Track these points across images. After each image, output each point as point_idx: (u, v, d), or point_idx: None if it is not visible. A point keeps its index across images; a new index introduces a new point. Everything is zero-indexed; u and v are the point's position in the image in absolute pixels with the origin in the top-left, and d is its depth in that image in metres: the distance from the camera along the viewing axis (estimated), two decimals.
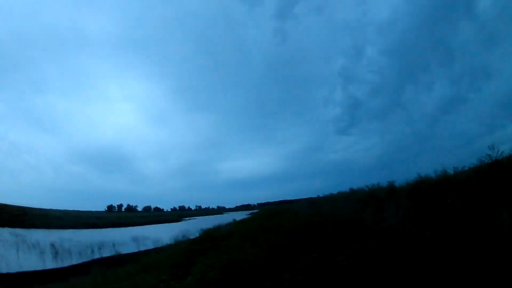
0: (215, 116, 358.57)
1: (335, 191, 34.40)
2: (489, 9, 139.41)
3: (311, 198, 60.32)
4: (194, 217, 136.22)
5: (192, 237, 34.28)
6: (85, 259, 27.32)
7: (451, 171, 15.06)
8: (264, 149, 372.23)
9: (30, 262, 24.87)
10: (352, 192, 26.15)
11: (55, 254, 28.70)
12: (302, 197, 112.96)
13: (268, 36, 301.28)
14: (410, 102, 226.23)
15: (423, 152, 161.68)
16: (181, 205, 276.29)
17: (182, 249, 20.69)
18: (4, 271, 21.23)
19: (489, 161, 12.28)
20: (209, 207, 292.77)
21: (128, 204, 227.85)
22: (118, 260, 22.08)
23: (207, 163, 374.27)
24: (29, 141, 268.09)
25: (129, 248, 32.99)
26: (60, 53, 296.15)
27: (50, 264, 24.99)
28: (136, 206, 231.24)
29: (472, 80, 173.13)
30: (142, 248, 32.82)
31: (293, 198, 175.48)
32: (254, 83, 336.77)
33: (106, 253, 29.58)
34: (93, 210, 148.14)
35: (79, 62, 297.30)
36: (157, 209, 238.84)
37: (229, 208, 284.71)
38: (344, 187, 29.59)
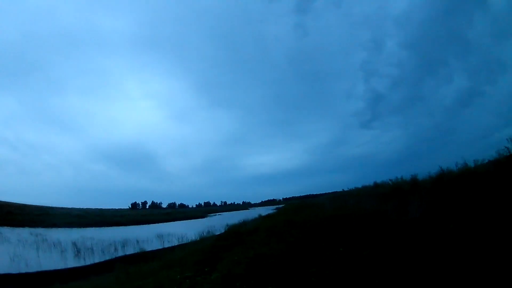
0: (237, 112, 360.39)
1: (359, 185, 34.34)
2: (502, 1, 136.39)
3: (335, 192, 60.50)
4: (219, 213, 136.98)
5: (217, 233, 34.27)
6: (107, 257, 27.48)
7: (471, 164, 14.78)
8: (288, 144, 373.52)
9: (51, 261, 25.10)
10: (376, 185, 26.04)
11: (77, 252, 28.97)
12: (327, 191, 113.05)
13: (288, 31, 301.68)
14: (429, 95, 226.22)
15: (443, 144, 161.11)
16: (206, 201, 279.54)
17: (207, 245, 20.58)
18: (24, 271, 21.43)
19: (508, 154, 12.10)
20: (234, 202, 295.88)
21: (153, 201, 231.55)
22: (142, 257, 22.13)
23: (231, 159, 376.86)
24: (49, 141, 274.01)
25: (153, 245, 33.20)
26: (78, 53, 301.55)
27: (71, 263, 25.18)
28: (161, 203, 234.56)
29: (488, 73, 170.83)
30: (167, 245, 32.96)
31: (317, 192, 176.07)
32: (275, 78, 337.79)
33: (130, 251, 29.76)
34: (116, 208, 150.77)
35: (98, 61, 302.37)
36: (181, 205, 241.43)
37: (255, 204, 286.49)
38: (368, 181, 29.43)
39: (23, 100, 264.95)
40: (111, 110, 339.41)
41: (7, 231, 44.12)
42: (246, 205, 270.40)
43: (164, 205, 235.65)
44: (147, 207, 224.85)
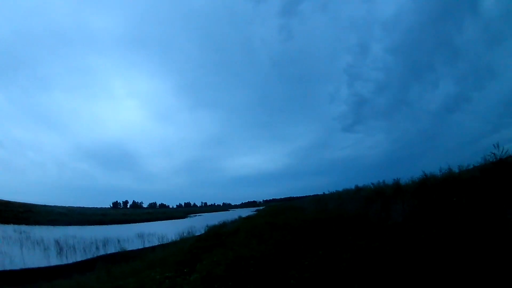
0: (221, 113, 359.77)
1: (340, 188, 34.59)
2: (493, 8, 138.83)
3: (317, 195, 60.52)
4: (199, 214, 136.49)
5: (197, 233, 34.36)
6: (89, 256, 27.40)
7: (456, 170, 15.08)
8: (270, 146, 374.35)
9: (34, 259, 24.98)
10: (358, 189, 26.21)
11: (60, 250, 28.82)
12: (308, 194, 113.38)
13: (274, 33, 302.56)
14: (415, 100, 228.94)
15: (428, 150, 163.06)
16: (186, 201, 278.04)
17: (188, 246, 20.73)
18: (8, 268, 21.34)
19: (494, 160, 12.32)
20: (214, 203, 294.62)
21: (134, 201, 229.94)
22: (123, 257, 22.16)
23: (213, 160, 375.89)
24: (34, 138, 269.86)
25: (134, 245, 33.11)
26: (65, 51, 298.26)
27: (54, 261, 25.08)
28: (142, 202, 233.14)
29: (476, 79, 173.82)
30: (147, 245, 32.91)
31: (299, 195, 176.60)
32: (259, 80, 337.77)
33: (111, 250, 29.67)
34: (98, 206, 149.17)
35: (84, 60, 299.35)
36: (162, 205, 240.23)
37: (235, 205, 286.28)
38: (350, 185, 29.63)
39: (10, 96, 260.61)
40: (96, 108, 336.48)
41: None
42: (226, 206, 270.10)
43: (145, 205, 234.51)
44: (128, 206, 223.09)
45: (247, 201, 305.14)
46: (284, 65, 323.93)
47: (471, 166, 14.37)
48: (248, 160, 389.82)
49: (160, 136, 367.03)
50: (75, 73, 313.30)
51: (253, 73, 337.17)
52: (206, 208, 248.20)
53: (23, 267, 21.81)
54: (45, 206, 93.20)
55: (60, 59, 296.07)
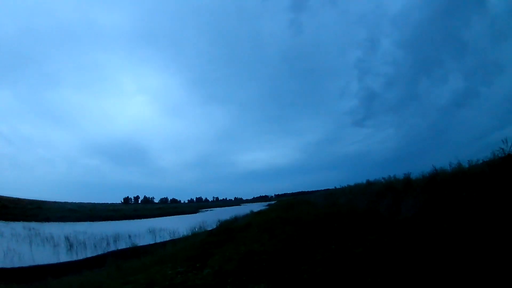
0: (231, 108, 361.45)
1: (351, 183, 34.49)
2: (500, 3, 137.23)
3: (328, 190, 60.59)
4: (211, 209, 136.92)
5: (209, 228, 34.29)
6: (100, 252, 27.42)
7: (465, 164, 14.95)
8: (281, 141, 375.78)
9: (44, 256, 25.02)
10: (369, 184, 26.10)
11: (69, 247, 28.89)
12: (319, 189, 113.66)
13: (283, 28, 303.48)
14: (424, 94, 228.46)
15: (437, 145, 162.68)
16: (198, 196, 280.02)
17: (199, 241, 20.62)
18: (17, 265, 21.39)
19: (502, 155, 12.25)
20: (226, 198, 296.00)
21: (145, 196, 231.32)
22: (134, 252, 22.11)
23: (224, 155, 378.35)
24: (43, 135, 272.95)
25: (145, 240, 33.17)
26: (73, 48, 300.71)
27: (64, 257, 25.12)
28: (153, 198, 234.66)
29: (484, 74, 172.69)
30: (159, 240, 32.89)
31: (310, 189, 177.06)
32: (270, 74, 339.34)
33: (122, 245, 29.66)
34: (109, 202, 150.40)
35: (93, 56, 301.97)
36: (174, 200, 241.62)
37: (246, 200, 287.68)
38: (361, 179, 29.54)
39: (18, 94, 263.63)
40: (106, 104, 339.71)
41: (0, 225, 43.96)
42: (238, 201, 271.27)
43: (156, 200, 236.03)
44: (139, 202, 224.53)
45: (258, 195, 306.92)
46: (294, 60, 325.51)
47: (480, 161, 14.38)
48: (259, 154, 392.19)
49: (171, 131, 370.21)
50: (84, 69, 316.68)
51: (264, 68, 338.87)
52: (218, 203, 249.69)
53: (32, 264, 21.85)
54: (54, 202, 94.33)
55: (67, 56, 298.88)
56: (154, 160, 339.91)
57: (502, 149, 12.29)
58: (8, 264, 21.51)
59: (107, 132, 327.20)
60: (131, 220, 70.15)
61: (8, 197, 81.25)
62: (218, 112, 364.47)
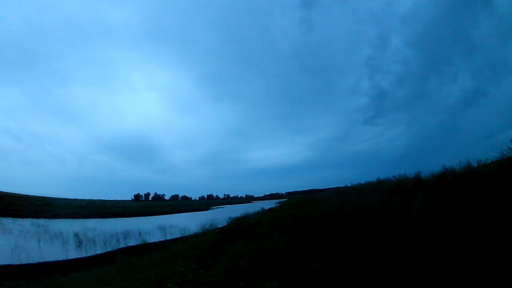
0: (242, 105, 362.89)
1: (362, 181, 34.56)
2: (507, 2, 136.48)
3: (339, 188, 60.77)
4: (222, 206, 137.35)
5: (220, 226, 34.28)
6: (109, 248, 27.51)
7: (474, 164, 15.28)
8: (292, 138, 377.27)
9: (52, 252, 25.12)
10: (380, 182, 26.13)
11: (79, 243, 29.01)
12: (330, 187, 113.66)
13: (294, 25, 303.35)
14: (434, 93, 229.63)
15: (446, 143, 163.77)
16: (209, 193, 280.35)
17: (210, 238, 20.58)
18: (25, 262, 21.47)
19: (511, 155, 12.56)
20: (237, 195, 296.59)
21: (156, 193, 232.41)
22: (144, 249, 22.13)
23: (235, 152, 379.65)
24: (52, 132, 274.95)
25: (156, 237, 33.22)
26: (82, 44, 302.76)
27: (73, 254, 25.23)
28: (164, 195, 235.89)
29: (492, 73, 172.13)
30: (169, 237, 32.96)
31: (321, 187, 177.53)
32: (280, 72, 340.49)
33: (132, 242, 29.74)
34: (119, 199, 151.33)
35: (103, 53, 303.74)
36: (184, 197, 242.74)
37: (257, 197, 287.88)
38: (371, 177, 29.62)
39: (27, 90, 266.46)
40: (115, 101, 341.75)
41: (9, 222, 44.33)
42: (249, 198, 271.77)
43: (167, 197, 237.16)
44: (150, 199, 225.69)
45: (269, 193, 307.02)
46: (305, 57, 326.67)
47: (489, 161, 14.60)
48: (270, 152, 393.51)
49: (181, 128, 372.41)
50: (93, 66, 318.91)
51: (274, 65, 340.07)
52: (229, 200, 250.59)
53: (40, 260, 21.93)
54: (64, 199, 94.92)
55: (77, 52, 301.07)
56: (164, 157, 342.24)
57: (511, 148, 12.62)
58: (16, 261, 21.63)
59: (117, 129, 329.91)
60: (141, 217, 70.48)
61: (16, 194, 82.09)
62: (229, 109, 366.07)
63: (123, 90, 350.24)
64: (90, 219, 57.52)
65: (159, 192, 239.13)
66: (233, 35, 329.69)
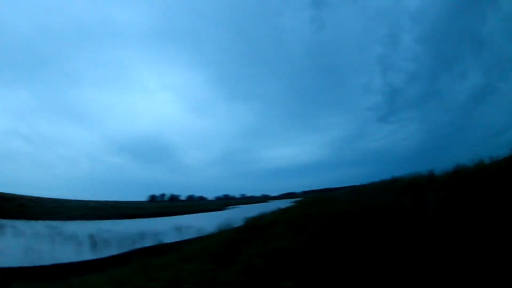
0: (255, 105, 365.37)
1: (376, 179, 34.67)
2: None
3: (353, 186, 61.03)
4: (237, 206, 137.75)
5: (235, 225, 34.40)
6: (125, 250, 27.73)
7: (487, 161, 15.34)
8: (306, 137, 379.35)
9: (66, 254, 25.40)
10: (393, 180, 26.16)
11: (93, 245, 29.32)
12: (344, 185, 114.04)
13: (305, 24, 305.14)
14: (445, 90, 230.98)
15: (458, 140, 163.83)
16: (224, 193, 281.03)
17: (226, 238, 20.63)
18: (38, 264, 21.73)
19: None
20: (253, 195, 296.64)
21: (171, 194, 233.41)
22: (160, 250, 22.25)
23: (250, 151, 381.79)
24: (64, 134, 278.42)
25: (172, 238, 33.48)
26: (92, 46, 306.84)
27: (87, 256, 25.47)
28: (179, 195, 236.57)
29: (503, 70, 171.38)
30: (185, 238, 33.14)
31: (335, 186, 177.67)
32: (292, 71, 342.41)
33: (148, 243, 30.00)
34: (134, 200, 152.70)
35: (114, 54, 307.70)
36: (200, 197, 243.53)
37: (273, 196, 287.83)
38: (385, 175, 29.75)
39: (38, 93, 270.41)
40: (128, 102, 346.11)
41: (21, 224, 44.92)
42: (265, 198, 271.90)
43: (182, 198, 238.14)
44: (165, 199, 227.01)
45: (285, 192, 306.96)
46: (316, 56, 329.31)
47: (501, 157, 14.62)
48: (285, 151, 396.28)
49: (195, 128, 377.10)
50: (104, 67, 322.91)
51: (286, 64, 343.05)
52: (244, 199, 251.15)
53: (54, 262, 22.16)
54: (78, 201, 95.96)
55: (87, 54, 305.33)
56: (179, 157, 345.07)
57: None
58: (28, 263, 21.86)
59: (130, 130, 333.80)
60: (157, 218, 70.97)
61: (29, 196, 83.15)
62: (242, 109, 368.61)
63: (136, 91, 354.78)
64: (105, 220, 58.09)
65: (175, 193, 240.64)
66: (245, 35, 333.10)
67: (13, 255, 23.89)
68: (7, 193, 76.92)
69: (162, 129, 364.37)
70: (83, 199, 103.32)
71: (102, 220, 57.44)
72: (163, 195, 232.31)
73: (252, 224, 28.21)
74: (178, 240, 31.62)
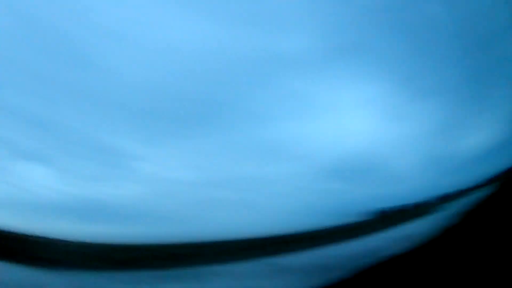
0: (439, 99, 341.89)
1: None
2: None
3: None
4: None
5: None
6: None
7: None
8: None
9: None
10: None
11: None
12: None
13: None
14: None
15: None
16: None
17: None
18: None
19: None
20: None
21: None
22: None
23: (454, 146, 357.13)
24: (266, 172, 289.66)
25: None
26: (269, 77, 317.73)
27: None
28: None
29: None
30: None
31: None
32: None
33: None
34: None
35: (291, 83, 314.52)
36: None
37: None
38: None
39: (229, 136, 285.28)
40: (323, 127, 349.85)
41: None
42: None
43: None
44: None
45: None
46: None
47: None
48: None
49: (396, 136, 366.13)
50: (287, 98, 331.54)
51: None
52: None
53: None
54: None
55: (267, 86, 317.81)
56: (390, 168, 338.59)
57: None
58: None
59: (334, 153, 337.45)
60: None
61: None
62: (431, 107, 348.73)
63: (327, 114, 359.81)
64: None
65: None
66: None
67: None
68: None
69: (369, 147, 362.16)
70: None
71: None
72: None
73: None
74: None
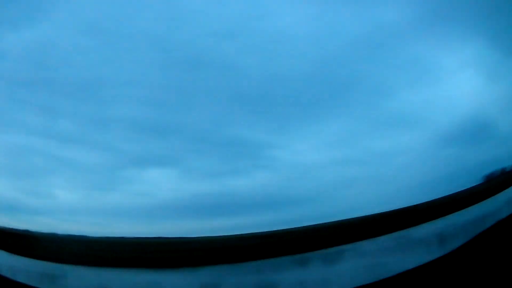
0: None
1: None
2: None
3: None
4: None
5: None
6: None
7: None
8: None
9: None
10: None
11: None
12: None
13: None
14: None
15: None
16: None
17: None
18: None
19: None
20: None
21: None
22: None
23: None
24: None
25: None
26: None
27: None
28: None
29: None
30: None
31: None
32: None
33: None
34: None
35: None
36: None
37: None
38: None
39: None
40: (435, 94, 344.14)
41: None
42: None
43: None
44: None
45: None
46: None
47: None
48: None
49: None
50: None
51: None
52: None
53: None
54: None
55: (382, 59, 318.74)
56: None
57: None
58: None
59: (450, 118, 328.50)
60: None
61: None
62: None
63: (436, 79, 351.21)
64: None
65: None
66: None
67: None
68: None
69: (475, 108, 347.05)
70: None
71: None
72: None
73: None
74: None
